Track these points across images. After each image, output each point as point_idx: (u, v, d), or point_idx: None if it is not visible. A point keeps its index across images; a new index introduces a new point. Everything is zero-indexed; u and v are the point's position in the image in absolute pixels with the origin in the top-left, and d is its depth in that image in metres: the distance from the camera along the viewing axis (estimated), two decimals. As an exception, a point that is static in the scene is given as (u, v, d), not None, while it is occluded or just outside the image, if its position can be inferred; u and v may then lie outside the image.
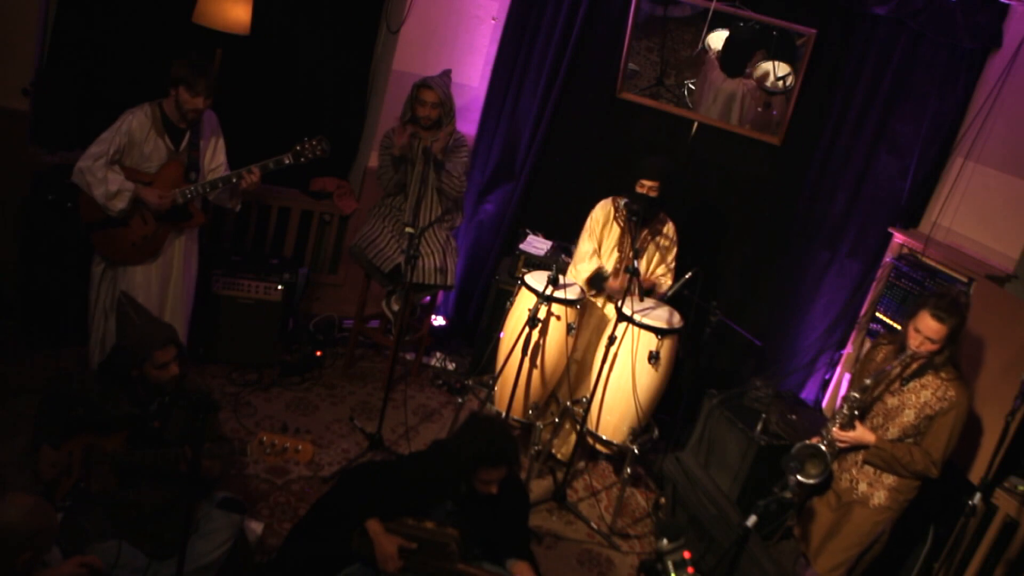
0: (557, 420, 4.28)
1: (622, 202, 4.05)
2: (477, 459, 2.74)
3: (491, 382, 4.13)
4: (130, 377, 2.81)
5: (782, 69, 4.61)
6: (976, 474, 3.39)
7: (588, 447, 4.28)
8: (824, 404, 4.67)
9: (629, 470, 4.02)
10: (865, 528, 3.33)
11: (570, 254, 4.48)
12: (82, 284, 3.85)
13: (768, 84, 4.67)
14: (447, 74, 4.37)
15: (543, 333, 3.91)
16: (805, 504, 3.51)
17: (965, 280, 3.91)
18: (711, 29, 4.60)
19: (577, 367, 4.23)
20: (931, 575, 3.53)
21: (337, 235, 5.24)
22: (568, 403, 4.20)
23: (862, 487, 3.32)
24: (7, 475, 3.22)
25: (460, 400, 4.34)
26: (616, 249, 4.19)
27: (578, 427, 4.09)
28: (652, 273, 4.24)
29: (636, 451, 3.99)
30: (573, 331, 3.97)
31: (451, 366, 5.12)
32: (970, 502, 3.01)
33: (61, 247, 4.05)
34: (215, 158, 3.83)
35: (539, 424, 4.10)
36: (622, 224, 4.17)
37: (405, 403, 4.57)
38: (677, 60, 4.77)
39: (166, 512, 2.80)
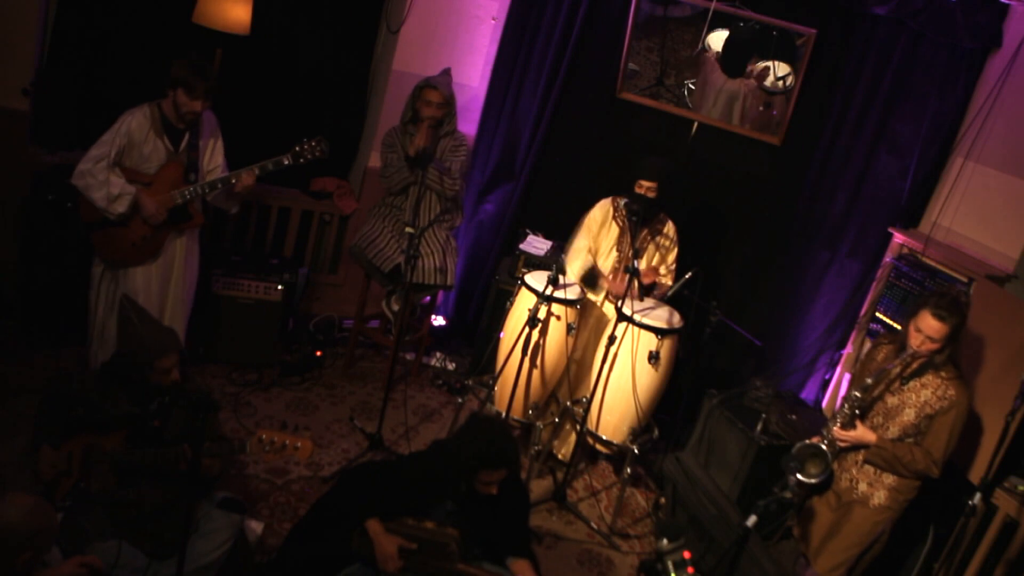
0: (557, 420, 4.28)
1: (622, 202, 4.06)
2: (477, 460, 2.74)
3: (491, 382, 4.13)
4: (130, 377, 2.81)
5: (782, 69, 4.61)
6: (976, 474, 3.39)
7: (588, 447, 4.28)
8: (824, 404, 4.67)
9: (629, 470, 4.02)
10: (865, 528, 3.33)
11: (570, 254, 4.48)
12: (82, 284, 3.85)
13: (768, 84, 4.67)
14: (448, 73, 4.38)
15: (543, 333, 3.91)
16: (805, 504, 3.51)
17: (965, 280, 3.91)
18: (711, 29, 4.60)
19: (577, 367, 4.23)
20: (931, 575, 3.53)
21: (337, 235, 5.24)
22: (568, 403, 4.20)
23: (862, 487, 3.32)
24: (7, 475, 3.22)
25: (460, 400, 4.34)
26: (615, 249, 4.19)
27: (578, 427, 4.09)
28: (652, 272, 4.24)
29: (636, 451, 3.99)
30: (573, 331, 3.97)
31: (451, 366, 5.12)
32: (970, 502, 3.01)
33: (61, 247, 4.05)
34: (213, 159, 3.84)
35: (539, 424, 4.10)
36: (621, 224, 4.17)
37: (405, 403, 4.57)
38: (677, 60, 4.77)
39: (166, 512, 2.80)
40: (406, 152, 4.30)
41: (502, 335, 4.12)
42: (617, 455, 4.31)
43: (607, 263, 4.20)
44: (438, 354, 5.15)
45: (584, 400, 4.00)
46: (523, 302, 3.97)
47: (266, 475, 3.74)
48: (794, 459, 3.25)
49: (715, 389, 4.16)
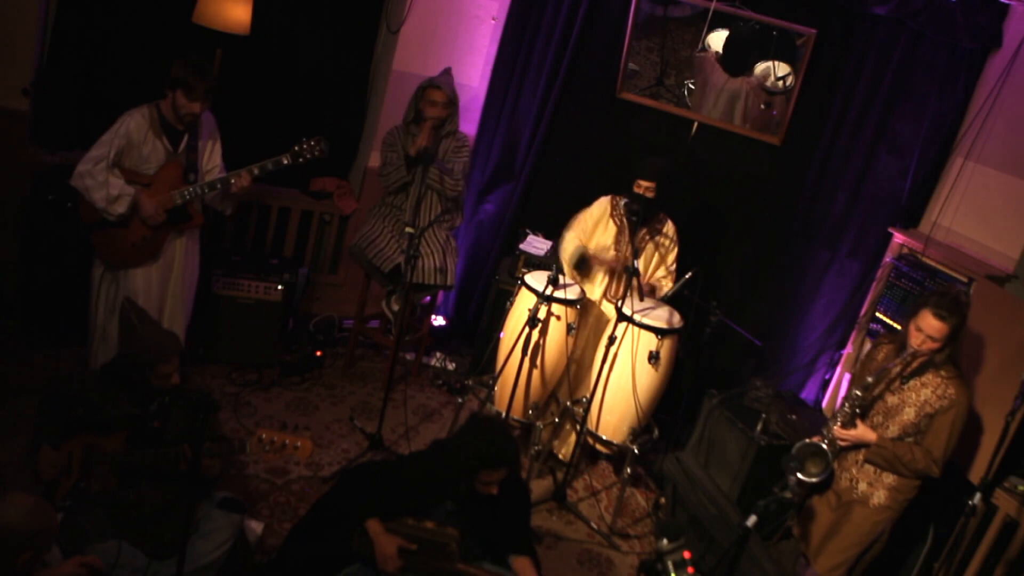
0: (557, 420, 4.28)
1: (622, 202, 4.06)
2: (477, 460, 2.74)
3: (491, 382, 4.13)
4: (130, 378, 2.81)
5: (782, 69, 4.61)
6: (976, 474, 3.39)
7: (588, 447, 4.28)
8: (824, 404, 4.67)
9: (629, 470, 4.02)
10: (865, 528, 3.33)
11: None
12: (82, 284, 3.85)
13: (768, 84, 4.67)
14: (449, 72, 4.38)
15: (543, 333, 3.91)
16: (805, 504, 3.51)
17: (965, 280, 3.91)
18: (711, 29, 4.60)
19: (576, 367, 4.23)
20: (931, 575, 3.53)
21: (337, 235, 5.24)
22: (568, 403, 4.20)
23: (862, 486, 3.32)
24: (7, 475, 3.22)
25: (460, 400, 4.34)
26: (612, 248, 4.19)
27: (578, 427, 4.09)
28: (651, 276, 4.24)
29: (636, 451, 3.99)
30: (573, 331, 3.97)
31: (451, 366, 5.12)
32: (970, 502, 3.01)
33: (61, 247, 4.05)
34: (212, 159, 3.83)
35: (539, 424, 4.10)
36: (618, 223, 4.18)
37: (405, 403, 4.57)
38: (677, 60, 4.77)
39: (166, 512, 2.80)
40: (406, 152, 4.30)
41: (502, 335, 4.12)
42: (617, 455, 4.31)
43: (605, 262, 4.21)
44: (438, 354, 5.15)
45: (584, 400, 4.00)
46: (523, 302, 3.97)
47: (266, 475, 3.74)
48: (794, 459, 3.25)
49: (715, 389, 4.16)
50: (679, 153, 4.87)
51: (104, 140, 3.54)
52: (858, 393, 3.25)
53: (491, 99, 5.07)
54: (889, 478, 3.28)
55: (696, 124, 4.86)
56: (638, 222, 3.98)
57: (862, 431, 3.28)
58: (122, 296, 3.52)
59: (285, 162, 3.73)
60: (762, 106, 4.74)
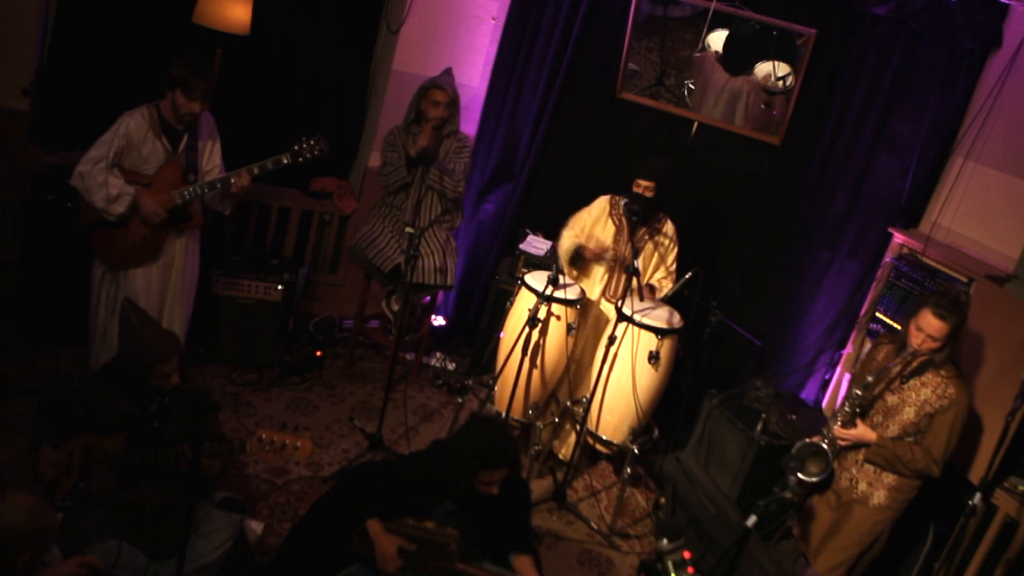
0: (557, 420, 4.28)
1: (622, 202, 4.06)
2: (477, 460, 2.74)
3: (491, 382, 4.13)
4: (130, 378, 2.81)
5: (782, 69, 4.61)
6: (976, 474, 3.39)
7: (588, 447, 4.28)
8: (824, 404, 4.67)
9: (629, 470, 4.02)
10: (865, 528, 3.33)
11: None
12: (82, 284, 3.85)
13: (768, 84, 4.67)
14: (450, 73, 4.38)
15: (543, 333, 3.91)
16: (805, 503, 3.51)
17: (965, 280, 3.91)
18: (711, 29, 4.60)
19: (576, 367, 4.23)
20: (931, 575, 3.53)
21: (337, 235, 5.24)
22: (568, 403, 4.20)
23: (862, 486, 3.32)
24: (7, 475, 3.22)
25: (460, 400, 4.34)
26: (611, 247, 4.19)
27: (578, 427, 4.09)
28: (651, 276, 4.24)
29: (636, 451, 3.99)
30: (573, 331, 3.97)
31: (451, 366, 5.12)
32: (970, 502, 3.01)
33: (61, 247, 4.05)
34: (211, 159, 3.83)
35: (539, 424, 4.10)
36: (617, 222, 4.18)
37: (405, 403, 4.57)
38: (677, 60, 4.77)
39: (166, 512, 2.80)
40: (407, 152, 4.30)
41: (502, 335, 4.12)
42: (617, 455, 4.31)
43: (603, 262, 4.20)
44: (438, 354, 5.15)
45: (584, 400, 4.00)
46: (523, 302, 3.97)
47: (266, 475, 3.74)
48: (794, 459, 3.25)
49: (715, 389, 4.16)
50: (679, 153, 4.87)
51: (103, 140, 3.54)
52: (858, 392, 3.25)
53: (491, 99, 5.07)
54: (889, 478, 3.28)
55: (696, 124, 4.86)
56: (638, 222, 3.98)
57: (862, 430, 3.28)
58: (122, 296, 3.52)
59: (285, 161, 3.72)
60: (762, 106, 4.74)
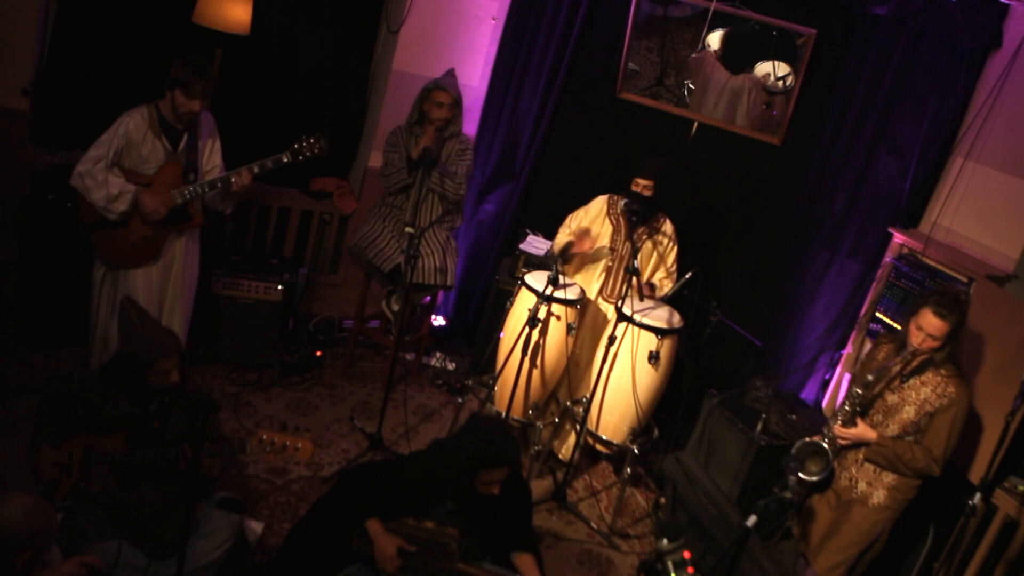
0: (557, 420, 4.28)
1: (621, 202, 4.06)
2: (477, 460, 2.74)
3: (491, 382, 4.13)
4: (130, 378, 2.81)
5: (782, 69, 4.61)
6: (976, 474, 3.39)
7: (588, 447, 4.28)
8: (824, 404, 4.67)
9: (629, 470, 4.02)
10: (865, 527, 3.33)
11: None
12: (82, 284, 3.85)
13: (768, 84, 4.67)
14: (453, 74, 4.38)
15: (543, 333, 3.91)
16: (805, 503, 3.51)
17: (965, 280, 3.91)
18: (711, 29, 4.60)
19: (573, 366, 4.23)
20: (931, 575, 3.53)
21: (337, 235, 5.24)
22: (568, 403, 4.20)
23: (861, 486, 3.32)
24: (7, 475, 3.22)
25: (460, 400, 4.34)
26: (609, 247, 4.19)
27: (578, 427, 4.09)
28: (650, 276, 4.24)
29: (636, 451, 3.99)
30: (573, 331, 3.97)
31: (451, 366, 5.12)
32: (970, 502, 3.01)
33: (61, 247, 4.05)
34: (211, 159, 3.83)
35: (539, 424, 4.10)
36: (614, 222, 4.18)
37: (405, 403, 4.57)
38: (677, 60, 4.77)
39: (166, 512, 2.80)
40: (408, 154, 4.30)
41: (502, 335, 4.12)
42: (617, 455, 4.31)
43: (600, 260, 4.20)
44: (438, 354, 5.15)
45: (584, 400, 4.00)
46: (523, 302, 3.97)
47: (266, 475, 3.74)
48: (794, 458, 3.25)
49: (715, 389, 4.16)
50: (679, 153, 4.87)
51: (103, 140, 3.54)
52: (858, 391, 3.25)
53: (491, 99, 5.07)
54: (888, 477, 3.28)
55: (696, 124, 4.86)
56: (638, 221, 3.99)
57: (862, 429, 3.28)
58: (122, 296, 3.52)
59: (285, 160, 3.72)
60: (762, 106, 4.74)
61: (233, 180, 3.70)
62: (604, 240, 4.19)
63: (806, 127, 4.71)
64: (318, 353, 4.76)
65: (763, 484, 3.57)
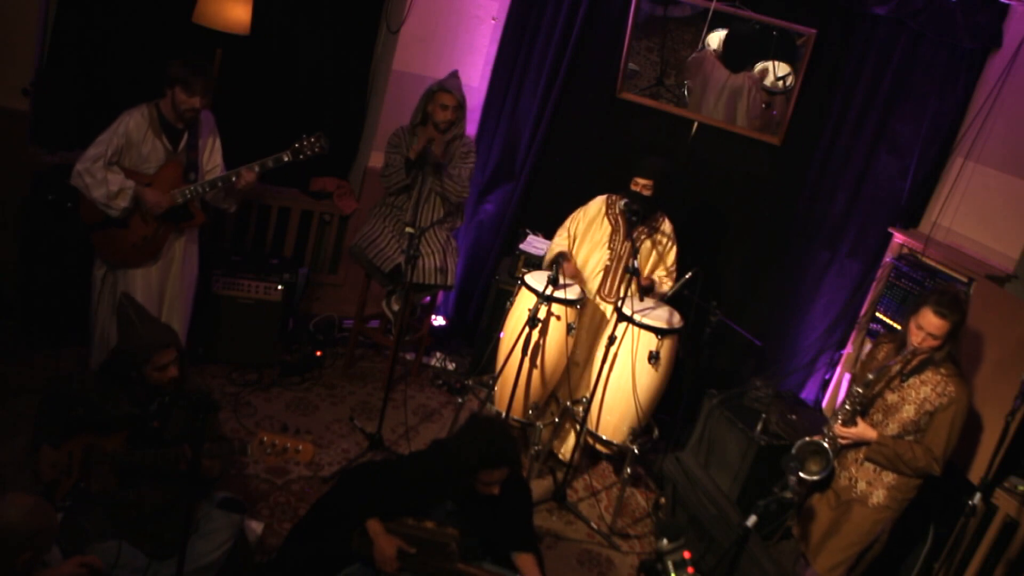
0: (557, 420, 4.28)
1: (620, 201, 4.06)
2: (477, 460, 2.74)
3: (491, 382, 4.13)
4: (130, 378, 2.81)
5: (782, 69, 4.61)
6: (976, 474, 3.39)
7: (588, 447, 4.28)
8: (824, 404, 4.67)
9: (629, 470, 4.02)
10: (865, 527, 3.33)
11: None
12: (82, 284, 3.85)
13: (768, 84, 4.67)
14: (456, 76, 4.38)
15: (543, 333, 3.91)
16: (804, 503, 3.51)
17: (965, 280, 3.91)
18: (711, 29, 4.60)
19: (576, 367, 4.22)
20: (931, 575, 3.53)
21: (337, 235, 5.24)
22: (568, 403, 4.20)
23: (861, 485, 3.32)
24: (7, 475, 3.22)
25: (460, 400, 4.34)
26: (607, 247, 4.19)
27: (578, 427, 4.09)
28: (650, 275, 4.24)
29: (636, 451, 3.99)
30: (573, 331, 3.97)
31: (451, 366, 5.12)
32: (970, 502, 3.01)
33: (61, 247, 4.05)
34: (212, 158, 3.84)
35: (539, 424, 4.10)
36: (613, 222, 4.18)
37: (405, 403, 4.57)
38: (677, 60, 4.77)
39: (166, 512, 2.80)
40: (406, 155, 4.30)
41: (502, 335, 4.12)
42: (617, 455, 4.31)
43: (598, 260, 4.20)
44: (438, 354, 5.15)
45: (584, 400, 4.00)
46: (523, 302, 3.97)
47: (266, 475, 3.74)
48: (795, 458, 3.25)
49: (715, 389, 4.16)
50: (679, 153, 4.87)
51: (102, 139, 3.54)
52: (859, 391, 3.25)
53: (491, 99, 5.07)
54: (888, 477, 3.28)
55: (696, 124, 4.86)
56: (638, 221, 3.99)
57: (863, 429, 3.28)
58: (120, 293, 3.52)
59: (286, 159, 3.72)
60: (762, 106, 4.74)
61: (234, 180, 3.70)
62: (603, 239, 4.19)
63: (806, 127, 4.71)
64: (318, 353, 4.76)
65: (763, 484, 3.56)
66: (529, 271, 4.29)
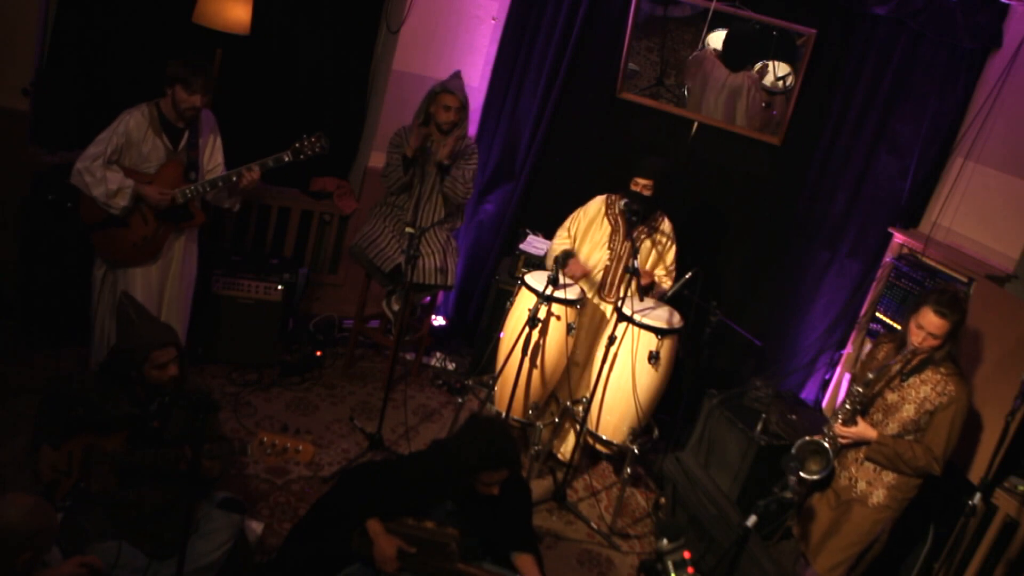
0: (557, 420, 4.28)
1: (620, 201, 4.07)
2: (478, 461, 2.74)
3: (491, 382, 4.13)
4: (130, 377, 2.81)
5: (782, 69, 4.61)
6: (976, 474, 3.39)
7: (588, 447, 4.28)
8: (824, 404, 4.67)
9: (629, 470, 4.02)
10: (865, 527, 3.33)
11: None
12: (82, 284, 3.85)
13: (768, 84, 4.67)
14: (459, 76, 4.38)
15: (543, 333, 3.91)
16: (804, 503, 3.51)
17: (965, 280, 3.91)
18: (711, 29, 4.60)
19: (576, 367, 4.23)
20: (931, 575, 3.53)
21: (337, 235, 5.24)
22: (568, 403, 4.20)
23: (861, 485, 3.32)
24: (7, 475, 3.22)
25: (460, 400, 4.34)
26: (607, 247, 4.19)
27: (578, 427, 4.09)
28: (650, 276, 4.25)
29: (636, 451, 3.99)
30: (573, 331, 3.97)
31: (451, 366, 5.12)
32: (970, 502, 3.01)
33: (61, 247, 4.05)
34: (213, 158, 3.84)
35: (539, 424, 4.10)
36: (612, 222, 4.18)
37: (405, 403, 4.57)
38: (677, 60, 4.77)
39: (166, 512, 2.80)
40: (403, 153, 4.30)
41: (502, 335, 4.12)
42: (617, 455, 4.31)
43: (598, 260, 4.21)
44: (438, 354, 5.15)
45: (584, 400, 4.00)
46: (523, 302, 3.97)
47: (266, 475, 3.74)
48: (795, 458, 3.25)
49: (715, 389, 4.16)
50: (679, 153, 4.87)
51: (102, 138, 3.54)
52: (859, 390, 3.25)
53: (491, 99, 5.07)
54: (888, 477, 3.28)
55: (696, 124, 4.86)
56: (638, 221, 3.99)
57: (863, 428, 3.28)
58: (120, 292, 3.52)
59: (286, 159, 3.72)
60: (762, 105, 4.74)
61: (235, 180, 3.70)
62: (603, 239, 4.19)
63: (806, 127, 4.71)
64: (318, 353, 4.76)
65: (763, 484, 3.56)
66: (529, 271, 4.29)
